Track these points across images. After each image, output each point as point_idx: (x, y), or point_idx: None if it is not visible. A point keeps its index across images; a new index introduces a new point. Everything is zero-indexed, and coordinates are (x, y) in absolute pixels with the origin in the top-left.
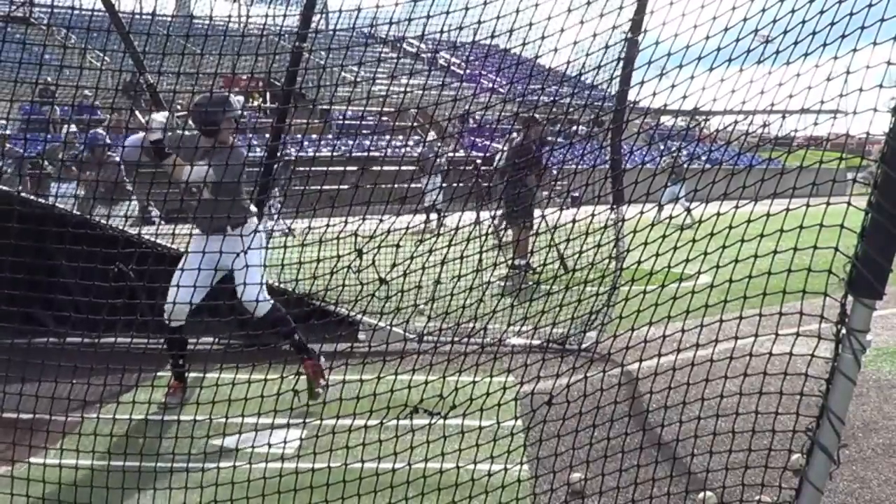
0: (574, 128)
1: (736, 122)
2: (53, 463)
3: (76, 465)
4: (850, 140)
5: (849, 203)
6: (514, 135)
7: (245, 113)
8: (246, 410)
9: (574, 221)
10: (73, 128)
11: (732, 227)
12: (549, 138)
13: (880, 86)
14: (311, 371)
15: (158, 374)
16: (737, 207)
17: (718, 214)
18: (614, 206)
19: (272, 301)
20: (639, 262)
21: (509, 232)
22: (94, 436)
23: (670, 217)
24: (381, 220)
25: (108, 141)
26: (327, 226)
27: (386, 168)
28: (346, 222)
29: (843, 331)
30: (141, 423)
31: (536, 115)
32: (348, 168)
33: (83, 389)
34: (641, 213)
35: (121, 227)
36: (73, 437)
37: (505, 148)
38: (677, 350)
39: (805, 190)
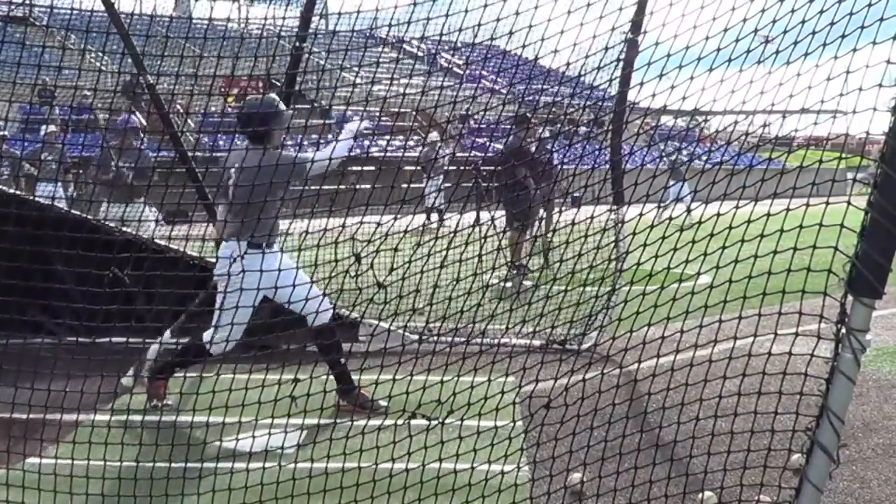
0: (572, 128)
1: (736, 123)
2: (50, 464)
3: (71, 470)
4: (849, 140)
5: (849, 203)
6: (510, 136)
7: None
8: (245, 412)
9: (573, 223)
10: (53, 127)
11: (732, 228)
12: (546, 136)
13: (880, 85)
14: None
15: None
16: (737, 208)
17: (718, 215)
18: (614, 208)
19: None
20: (638, 264)
21: (508, 233)
22: (89, 442)
23: (670, 218)
24: (379, 224)
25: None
26: (325, 229)
27: (386, 169)
28: (343, 225)
29: (843, 330)
30: (140, 424)
31: (528, 115)
32: (347, 169)
33: (81, 390)
34: (641, 214)
35: (123, 228)
36: (72, 439)
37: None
38: (676, 350)
39: (805, 190)
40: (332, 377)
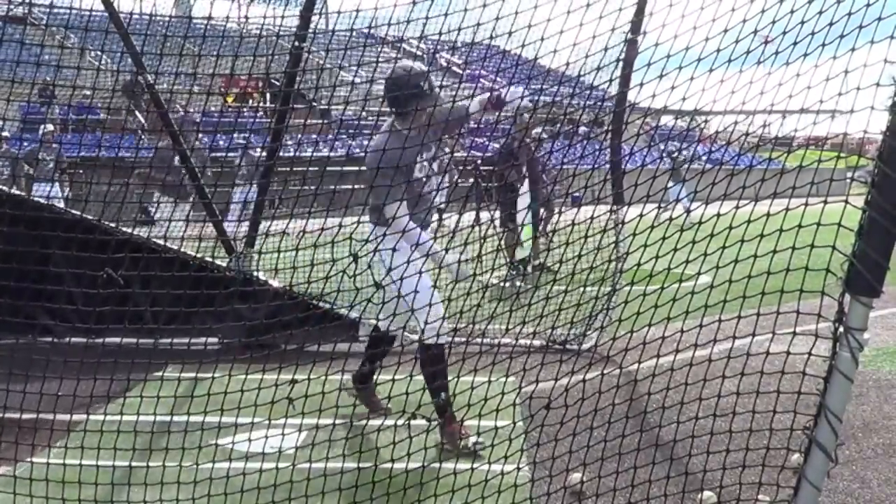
0: (572, 128)
1: (736, 123)
2: (46, 463)
3: (64, 468)
4: (847, 139)
5: (846, 202)
6: (508, 136)
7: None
8: (244, 412)
9: (573, 224)
10: (50, 126)
11: (732, 228)
12: (545, 137)
13: (877, 84)
14: (450, 435)
15: (158, 374)
16: (737, 208)
17: (718, 215)
18: (615, 208)
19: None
20: (638, 264)
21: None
22: (84, 443)
23: (670, 219)
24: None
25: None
26: (322, 229)
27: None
28: (340, 224)
29: (841, 329)
30: (140, 424)
31: (525, 115)
32: (347, 168)
33: (83, 390)
34: (641, 215)
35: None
36: (72, 438)
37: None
38: (676, 351)
39: (804, 190)
40: (329, 377)
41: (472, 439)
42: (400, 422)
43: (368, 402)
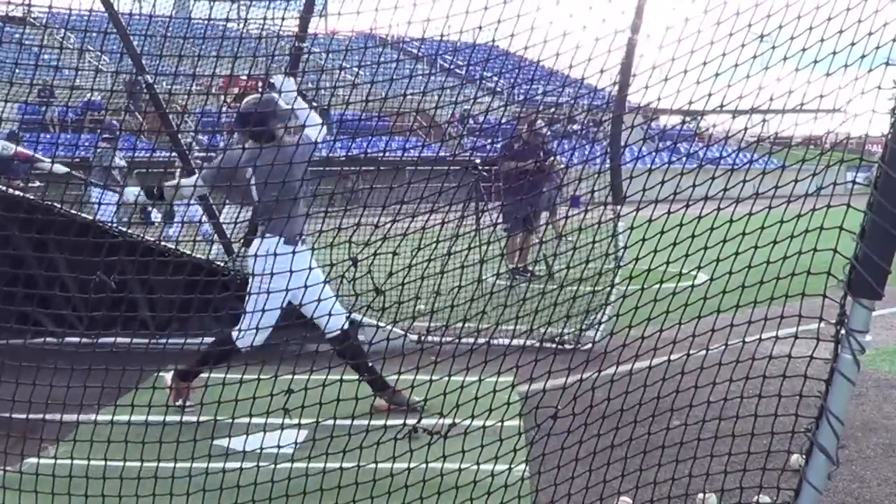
0: (572, 128)
1: (746, 129)
2: (51, 464)
3: (70, 471)
4: (849, 141)
5: (848, 205)
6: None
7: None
8: (248, 411)
9: (567, 217)
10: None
11: (745, 234)
12: (548, 134)
13: (878, 87)
14: (387, 403)
15: (159, 374)
16: (750, 214)
17: (731, 221)
18: (617, 209)
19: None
20: (636, 261)
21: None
22: (90, 440)
23: (680, 225)
24: (377, 226)
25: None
26: (320, 232)
27: (385, 169)
28: (339, 227)
29: (843, 332)
30: (141, 424)
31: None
32: (349, 168)
33: (81, 390)
34: (650, 221)
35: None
36: (72, 439)
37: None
38: (686, 354)
39: (803, 191)
40: (329, 377)
41: (417, 398)
42: (400, 436)
43: (399, 401)
